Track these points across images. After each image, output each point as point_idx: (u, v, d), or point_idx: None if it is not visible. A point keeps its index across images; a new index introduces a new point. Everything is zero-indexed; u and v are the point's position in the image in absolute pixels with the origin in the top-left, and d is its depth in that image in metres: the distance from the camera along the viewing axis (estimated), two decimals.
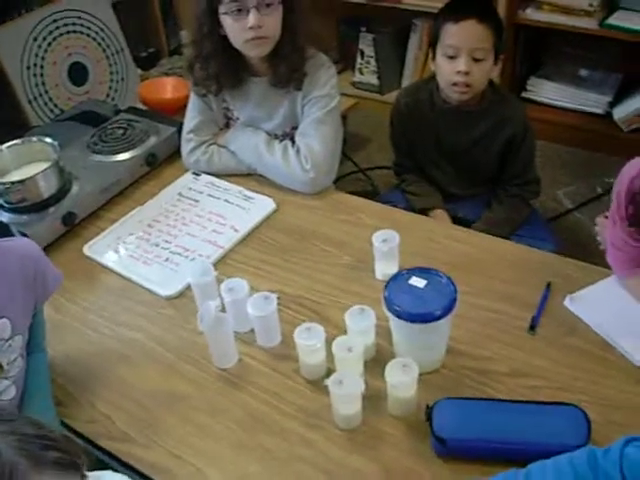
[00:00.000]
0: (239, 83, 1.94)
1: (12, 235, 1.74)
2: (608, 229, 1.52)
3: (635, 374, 1.33)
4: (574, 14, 3.03)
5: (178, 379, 1.43)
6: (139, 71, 3.90)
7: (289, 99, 1.92)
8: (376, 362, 1.37)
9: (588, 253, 1.57)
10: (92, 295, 1.67)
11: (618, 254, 1.50)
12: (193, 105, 2.03)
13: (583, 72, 3.35)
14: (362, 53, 3.72)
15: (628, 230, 1.44)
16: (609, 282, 1.51)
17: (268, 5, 1.75)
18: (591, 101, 3.25)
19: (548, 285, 1.53)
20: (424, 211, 2.08)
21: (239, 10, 1.75)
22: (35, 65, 3.29)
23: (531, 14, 3.13)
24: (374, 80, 3.71)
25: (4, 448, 0.76)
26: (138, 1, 3.95)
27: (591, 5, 2.99)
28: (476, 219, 2.08)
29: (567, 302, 1.48)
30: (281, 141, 1.94)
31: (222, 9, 1.77)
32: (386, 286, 1.32)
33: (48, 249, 1.79)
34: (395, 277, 1.34)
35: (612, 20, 2.97)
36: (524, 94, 3.37)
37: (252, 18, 1.74)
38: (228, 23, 1.79)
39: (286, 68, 1.85)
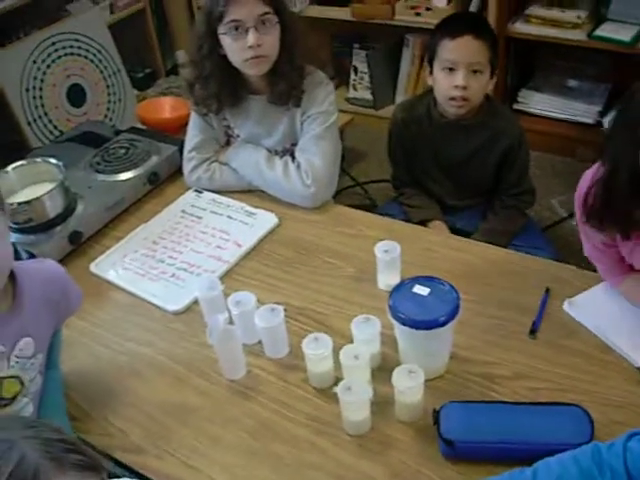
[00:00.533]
0: (239, 101, 1.98)
1: (19, 254, 1.78)
2: (584, 245, 1.57)
3: (635, 375, 1.37)
4: (563, 26, 3.09)
5: (189, 391, 1.46)
6: (136, 91, 3.95)
7: (288, 116, 1.97)
8: (382, 369, 1.40)
9: (584, 259, 1.61)
10: (101, 311, 1.71)
11: (601, 267, 1.55)
12: (194, 124, 2.07)
13: (573, 83, 3.41)
14: (356, 69, 3.77)
15: (599, 241, 1.47)
16: (605, 286, 1.55)
17: (266, 24, 1.80)
18: (581, 111, 3.30)
19: (547, 290, 1.57)
20: (423, 223, 2.11)
21: (238, 30, 1.80)
22: (34, 87, 3.34)
23: (520, 27, 3.19)
24: (368, 96, 3.76)
25: (29, 451, 0.79)
26: (134, 22, 4.01)
27: (579, 17, 3.06)
28: (474, 230, 2.12)
29: (566, 306, 1.52)
30: (281, 157, 1.98)
31: (221, 29, 1.82)
32: (390, 295, 1.36)
33: None
34: (399, 286, 1.38)
35: (600, 32, 3.03)
36: (515, 106, 3.42)
37: (251, 37, 1.78)
38: (227, 43, 1.83)
39: (285, 86, 1.89)
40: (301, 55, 1.90)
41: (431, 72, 2.04)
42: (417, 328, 1.30)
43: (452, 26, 2.00)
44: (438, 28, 2.04)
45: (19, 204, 1.83)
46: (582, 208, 1.39)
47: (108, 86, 3.68)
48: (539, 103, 3.40)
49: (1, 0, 3.28)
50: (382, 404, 1.34)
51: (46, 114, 3.39)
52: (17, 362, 1.27)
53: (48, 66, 3.38)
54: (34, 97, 3.33)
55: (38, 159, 1.97)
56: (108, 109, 3.70)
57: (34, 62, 3.32)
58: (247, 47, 1.80)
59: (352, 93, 3.84)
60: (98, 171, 2.07)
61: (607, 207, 1.32)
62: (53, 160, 1.93)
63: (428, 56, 2.06)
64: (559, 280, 1.60)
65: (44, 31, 3.39)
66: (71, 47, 3.48)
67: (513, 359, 1.43)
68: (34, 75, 3.33)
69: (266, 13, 1.79)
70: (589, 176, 1.40)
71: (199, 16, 1.93)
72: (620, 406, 1.31)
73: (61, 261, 1.84)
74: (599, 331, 1.46)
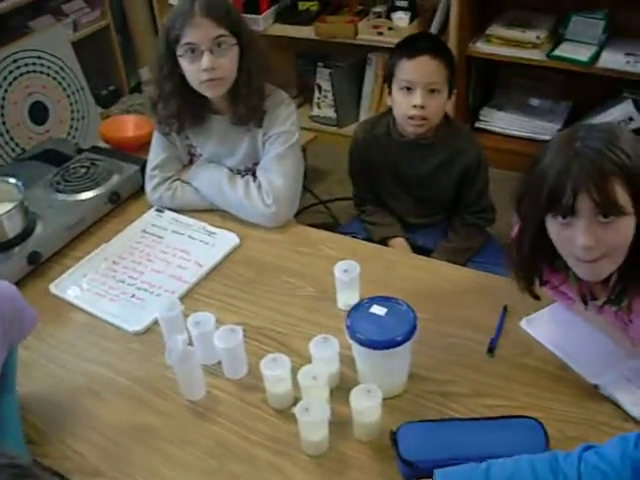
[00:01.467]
0: (201, 121, 1.98)
1: None
2: None
3: (590, 391, 1.39)
4: (522, 46, 3.15)
5: (147, 412, 1.45)
6: (100, 109, 3.93)
7: (250, 136, 1.97)
8: (341, 389, 1.41)
9: None
10: (59, 332, 1.69)
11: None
12: (157, 142, 2.06)
13: (533, 101, 3.46)
14: (319, 87, 3.79)
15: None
16: (561, 305, 1.57)
17: (222, 47, 1.80)
18: (542, 129, 3.35)
19: (504, 308, 1.59)
20: (384, 240, 2.13)
21: (193, 52, 1.80)
22: None
23: (481, 47, 3.23)
24: (331, 114, 3.78)
25: None
26: (98, 39, 4.00)
27: (538, 38, 3.11)
28: (435, 247, 2.14)
29: (523, 324, 1.54)
30: (243, 177, 1.98)
31: (178, 51, 1.82)
32: (348, 315, 1.36)
33: None
34: (356, 306, 1.39)
35: (558, 52, 3.09)
36: (477, 124, 3.46)
37: (205, 60, 1.79)
38: (184, 65, 1.84)
39: (245, 108, 1.89)
40: (261, 76, 1.90)
41: (390, 92, 2.06)
42: (374, 348, 1.31)
43: (409, 46, 2.02)
44: (396, 49, 2.06)
45: None
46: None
47: (71, 104, 3.66)
48: (501, 121, 3.45)
49: None
50: (340, 424, 1.34)
51: (7, 132, 3.36)
52: None
53: (10, 83, 3.35)
54: None
55: None
56: (71, 127, 3.67)
57: None
58: (202, 70, 1.80)
59: (316, 111, 3.86)
60: (59, 190, 2.05)
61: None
62: (12, 180, 1.92)
63: (387, 76, 2.08)
64: (517, 298, 1.60)
65: (5, 48, 3.36)
66: (33, 64, 3.45)
67: (471, 377, 1.44)
68: None
69: (221, 36, 1.80)
70: (514, 229, 1.45)
71: (160, 36, 1.93)
72: (576, 422, 1.33)
73: (20, 282, 1.83)
74: (556, 348, 1.48)
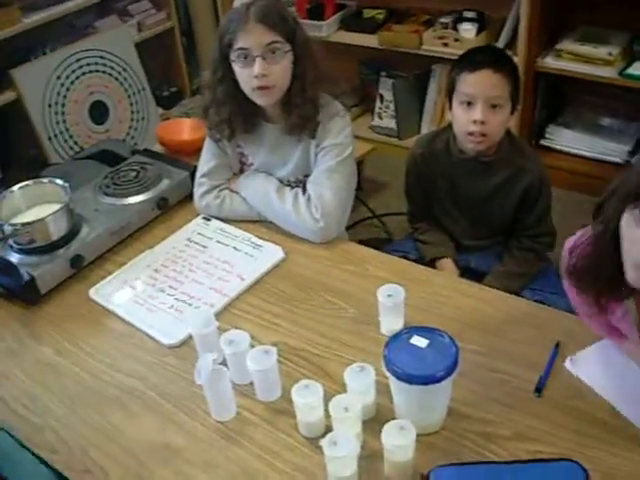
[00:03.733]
0: (252, 128, 1.94)
1: (20, 275, 1.74)
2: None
3: None
4: (593, 63, 3.03)
5: (174, 431, 1.40)
6: (160, 110, 3.95)
7: (302, 147, 1.92)
8: (375, 421, 1.34)
9: None
10: (95, 339, 1.66)
11: (594, 325, 1.46)
12: (208, 149, 2.03)
13: (602, 121, 3.34)
14: (381, 97, 3.73)
15: (582, 301, 1.39)
16: (610, 343, 1.47)
17: (275, 53, 1.76)
18: (610, 150, 3.23)
19: (557, 345, 1.49)
20: (434, 260, 2.06)
21: (246, 58, 1.76)
22: (57, 103, 3.34)
23: (550, 62, 3.13)
24: (392, 125, 3.71)
25: None
26: (162, 41, 4.02)
27: (610, 54, 2.99)
28: (488, 270, 2.06)
29: (567, 364, 1.44)
30: (293, 189, 1.93)
31: (232, 56, 1.79)
32: (386, 345, 1.29)
33: (54, 291, 1.80)
34: (396, 336, 1.31)
35: (631, 70, 2.97)
36: (543, 142, 3.36)
37: (257, 66, 1.75)
38: (237, 70, 1.81)
39: (298, 117, 1.84)
40: (315, 86, 1.85)
41: (450, 107, 1.99)
42: (412, 383, 1.23)
43: (471, 59, 1.95)
44: (458, 62, 1.99)
45: (22, 225, 1.80)
46: (566, 264, 1.32)
47: (132, 104, 3.68)
48: (567, 140, 3.34)
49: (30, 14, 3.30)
50: (372, 458, 1.27)
51: (67, 130, 3.39)
52: None
53: (72, 82, 3.38)
54: (56, 113, 3.34)
55: (45, 180, 1.94)
56: (130, 127, 3.69)
57: (58, 78, 3.32)
58: (253, 76, 1.76)
59: (377, 121, 3.80)
60: (107, 194, 2.03)
61: (591, 267, 1.26)
62: (59, 181, 1.91)
63: (448, 90, 2.01)
64: (572, 334, 1.52)
65: (70, 47, 3.40)
66: (96, 64, 3.48)
67: (515, 418, 1.35)
68: (57, 91, 3.33)
69: (275, 42, 1.75)
70: (578, 235, 1.34)
71: (214, 41, 1.90)
72: (624, 476, 1.23)
73: (61, 285, 1.82)
74: (603, 391, 1.38)
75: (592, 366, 1.43)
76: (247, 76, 1.78)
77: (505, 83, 1.90)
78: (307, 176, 1.95)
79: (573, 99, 3.43)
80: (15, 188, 1.90)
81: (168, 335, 1.63)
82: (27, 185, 1.92)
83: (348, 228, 1.98)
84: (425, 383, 1.23)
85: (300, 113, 1.84)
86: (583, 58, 3.05)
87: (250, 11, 1.74)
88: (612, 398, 1.36)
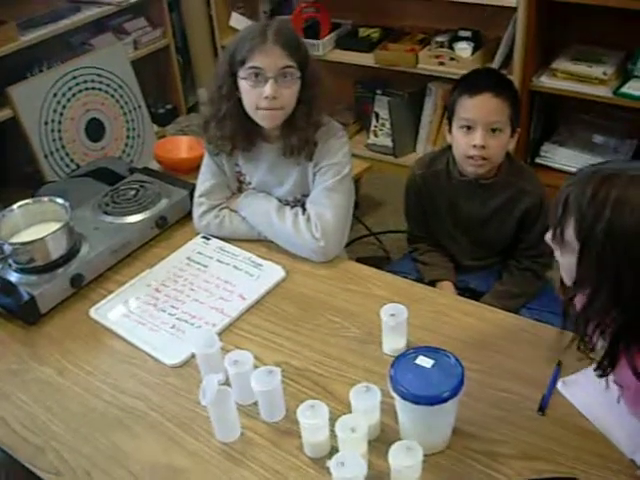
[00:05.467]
0: (252, 146, 1.95)
1: (20, 294, 1.73)
2: None
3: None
4: (588, 82, 3.06)
5: (177, 452, 1.40)
6: (156, 127, 3.95)
7: (300, 166, 1.93)
8: (381, 441, 1.34)
9: None
10: (96, 359, 1.65)
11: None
12: (206, 168, 2.03)
13: (597, 138, 3.35)
14: (377, 115, 3.75)
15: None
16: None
17: (287, 77, 1.78)
18: None
19: (559, 364, 1.50)
20: (433, 281, 2.06)
21: (257, 77, 1.77)
22: (53, 121, 3.34)
23: (545, 81, 3.16)
24: (388, 143, 3.73)
25: None
26: (158, 58, 4.03)
27: (605, 74, 3.02)
28: (488, 290, 2.06)
29: (560, 386, 1.45)
30: (292, 208, 1.93)
31: (241, 74, 1.79)
32: (392, 365, 1.29)
33: (55, 310, 1.79)
34: (401, 356, 1.32)
35: (625, 89, 2.99)
36: (538, 160, 3.38)
37: (268, 88, 1.75)
38: (245, 88, 1.81)
39: (297, 140, 1.85)
40: (320, 112, 1.86)
41: (450, 130, 2.00)
42: (418, 403, 1.23)
43: (470, 83, 1.96)
44: (457, 85, 1.99)
45: (22, 244, 1.80)
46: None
47: (127, 121, 3.68)
48: (562, 158, 3.35)
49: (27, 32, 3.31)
50: (378, 479, 1.27)
51: (63, 147, 3.39)
52: None
53: (68, 100, 3.39)
54: (52, 130, 3.34)
55: (45, 198, 1.94)
56: (127, 144, 3.69)
57: (54, 95, 3.33)
58: (263, 97, 1.77)
59: (372, 139, 3.81)
60: (106, 212, 2.03)
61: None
62: (60, 200, 1.91)
63: (447, 113, 2.01)
64: (574, 353, 1.51)
65: (66, 64, 3.41)
66: (92, 81, 3.49)
67: (519, 437, 1.36)
68: (54, 108, 3.34)
69: (289, 66, 1.77)
70: None
71: (222, 56, 1.91)
72: None
73: (61, 304, 1.81)
74: (592, 416, 1.38)
75: (582, 389, 1.42)
76: (255, 95, 1.79)
77: (505, 107, 1.91)
78: (305, 195, 1.96)
79: (568, 117, 3.45)
80: (15, 207, 1.90)
81: (170, 355, 1.62)
82: (27, 204, 1.91)
83: (345, 246, 1.97)
84: (431, 403, 1.23)
85: (300, 136, 1.85)
86: (578, 77, 3.08)
87: (268, 32, 1.76)
88: (599, 423, 1.36)
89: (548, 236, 1.28)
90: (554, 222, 1.24)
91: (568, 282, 1.28)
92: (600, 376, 1.27)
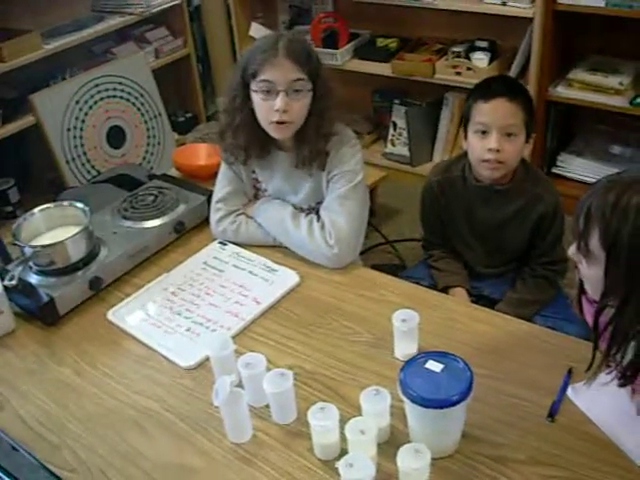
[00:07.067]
0: (267, 154, 1.97)
1: (40, 296, 1.77)
2: None
3: None
4: (604, 92, 3.07)
5: (191, 452, 1.42)
6: (176, 135, 4.00)
7: (314, 175, 1.95)
8: (390, 444, 1.35)
9: None
10: (113, 361, 1.68)
11: None
12: (223, 175, 2.06)
13: (614, 149, 3.36)
14: (394, 125, 3.77)
15: None
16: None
17: (298, 91, 1.80)
18: None
19: (569, 371, 1.51)
20: (447, 288, 2.07)
21: (268, 91, 1.79)
22: (75, 127, 3.39)
23: (562, 91, 3.17)
24: (405, 152, 3.75)
25: None
26: (179, 67, 4.08)
27: (621, 84, 3.03)
28: (501, 298, 2.07)
29: (569, 392, 1.45)
30: (307, 215, 1.96)
31: (253, 86, 1.82)
32: (402, 369, 1.31)
33: (73, 312, 1.83)
34: (411, 361, 1.33)
35: None
36: (554, 169, 3.38)
37: (279, 101, 1.78)
38: (256, 101, 1.84)
39: (309, 151, 1.88)
40: (331, 123, 1.89)
41: (465, 136, 2.02)
42: (427, 406, 1.25)
43: (485, 89, 1.98)
44: (472, 91, 2.02)
45: (42, 247, 1.83)
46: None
47: (148, 129, 3.73)
48: (578, 168, 3.35)
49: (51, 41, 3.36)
50: None
51: (85, 154, 3.44)
52: None
53: (90, 107, 3.44)
54: (74, 137, 3.39)
55: (65, 203, 1.98)
56: (147, 152, 3.74)
57: (77, 102, 3.38)
58: (274, 110, 1.79)
59: (390, 148, 3.83)
60: (125, 217, 2.07)
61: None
62: (80, 204, 1.94)
63: (463, 120, 2.03)
64: (585, 360, 1.52)
65: (89, 73, 3.46)
66: (114, 89, 3.54)
67: (528, 442, 1.37)
68: (76, 115, 3.39)
69: (299, 79, 1.79)
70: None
71: (235, 68, 1.94)
72: None
73: (79, 306, 1.84)
74: (601, 423, 1.38)
75: (591, 396, 1.42)
76: (267, 108, 1.82)
77: (519, 111, 1.93)
78: (320, 203, 1.98)
79: (584, 127, 3.46)
80: (36, 210, 1.94)
81: (185, 357, 1.65)
82: (48, 208, 1.96)
83: (361, 254, 2.00)
84: (440, 407, 1.25)
85: (311, 147, 1.88)
86: (594, 87, 3.09)
87: (279, 45, 1.78)
88: (608, 430, 1.37)
89: (572, 249, 1.30)
90: (577, 235, 1.25)
91: (595, 295, 1.28)
92: (622, 385, 1.28)
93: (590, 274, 1.28)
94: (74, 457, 1.44)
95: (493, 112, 1.93)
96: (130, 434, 1.48)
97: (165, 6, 3.85)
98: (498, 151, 1.92)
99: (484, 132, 1.94)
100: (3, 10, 3.24)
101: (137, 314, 1.80)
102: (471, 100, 1.99)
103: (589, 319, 1.38)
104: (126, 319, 1.79)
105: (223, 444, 1.43)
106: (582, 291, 1.38)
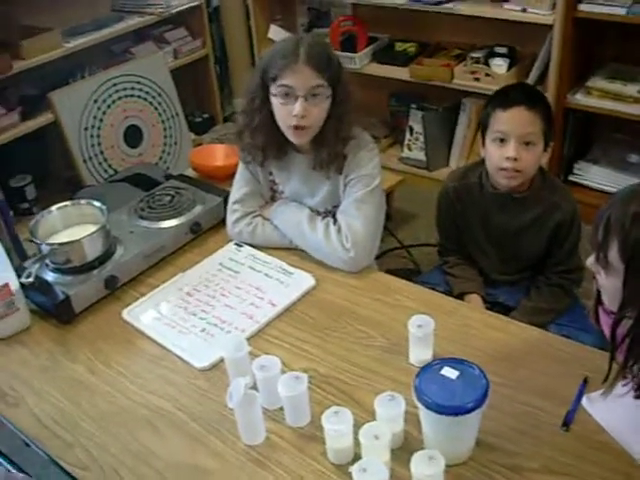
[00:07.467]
0: (284, 155, 1.98)
1: (56, 294, 1.78)
2: None
3: None
4: (623, 100, 3.05)
5: (203, 453, 1.42)
6: (193, 135, 4.01)
7: (331, 178, 1.95)
8: (403, 450, 1.35)
9: None
10: (127, 360, 1.69)
11: None
12: (241, 176, 2.07)
13: (631, 157, 3.34)
14: (411, 129, 3.76)
15: None
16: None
17: (316, 96, 1.80)
18: None
19: (585, 380, 1.50)
20: (462, 294, 2.07)
21: (287, 95, 1.80)
22: (93, 126, 3.41)
23: (580, 99, 3.16)
24: (422, 157, 3.74)
25: None
26: (197, 68, 4.10)
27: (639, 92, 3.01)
28: (516, 305, 2.06)
29: (584, 402, 1.44)
30: (323, 218, 1.95)
31: (272, 90, 1.82)
32: (417, 375, 1.31)
33: (88, 311, 1.83)
34: (427, 367, 1.33)
35: None
36: (571, 177, 3.37)
37: (298, 106, 1.78)
38: (275, 104, 1.84)
39: (327, 154, 1.88)
40: (350, 127, 1.88)
41: (483, 144, 2.01)
42: (442, 413, 1.24)
43: (504, 97, 1.97)
44: (491, 99, 2.01)
45: (59, 245, 1.84)
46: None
47: (165, 129, 3.74)
48: (596, 176, 3.34)
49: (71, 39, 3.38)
50: None
51: (102, 153, 3.45)
52: None
53: (108, 106, 3.45)
54: (92, 135, 3.40)
55: (82, 201, 1.98)
56: (163, 151, 3.75)
57: (95, 101, 3.40)
58: (292, 114, 1.79)
59: (406, 153, 3.83)
60: (142, 217, 2.07)
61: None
62: (97, 203, 1.95)
63: (481, 127, 2.03)
64: (600, 370, 1.51)
65: (107, 72, 3.48)
66: (132, 89, 3.55)
67: (542, 451, 1.36)
68: (94, 114, 3.40)
69: (319, 86, 1.79)
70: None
71: (255, 69, 1.94)
72: None
73: (94, 305, 1.85)
74: (616, 433, 1.37)
75: (607, 406, 1.41)
76: (286, 113, 1.82)
77: (538, 120, 1.92)
78: (336, 206, 1.98)
79: (601, 135, 3.44)
80: (53, 208, 1.95)
81: (199, 358, 1.65)
82: (65, 206, 1.97)
83: (376, 258, 1.99)
84: (455, 414, 1.24)
85: (329, 150, 1.88)
86: (613, 95, 3.08)
87: (300, 50, 1.78)
88: (623, 440, 1.36)
89: (590, 260, 1.29)
90: (596, 245, 1.25)
91: (613, 306, 1.28)
92: (638, 397, 1.28)
93: (608, 285, 1.27)
94: (87, 455, 1.44)
95: (511, 120, 1.92)
96: (143, 433, 1.48)
97: (185, 7, 3.87)
98: (516, 160, 1.91)
99: (502, 140, 1.93)
100: (25, 8, 3.26)
101: (152, 314, 1.81)
102: (489, 108, 1.98)
103: (606, 330, 1.38)
104: (141, 318, 1.80)
105: (236, 446, 1.43)
106: (599, 301, 1.37)
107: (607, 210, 1.23)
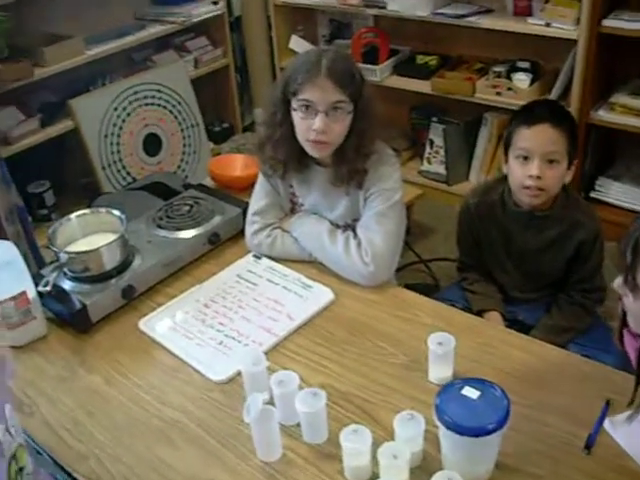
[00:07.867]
0: (305, 168, 1.96)
1: (73, 303, 1.77)
2: None
3: None
4: None
5: (218, 468, 1.40)
6: (212, 145, 4.01)
7: (352, 192, 1.93)
8: (422, 470, 1.33)
9: None
10: (143, 371, 1.68)
11: None
12: (261, 187, 2.05)
13: None
14: (432, 142, 3.74)
15: None
16: None
17: (337, 112, 1.78)
18: None
19: (607, 402, 1.47)
20: (481, 311, 2.04)
21: (308, 110, 1.78)
22: (112, 134, 3.42)
23: (603, 115, 3.13)
24: (442, 170, 3.72)
25: None
26: (217, 77, 4.10)
27: None
28: (536, 323, 2.03)
29: (606, 424, 1.41)
30: (344, 231, 1.94)
31: (293, 104, 1.81)
32: (438, 394, 1.29)
33: (105, 320, 1.83)
34: (447, 386, 1.31)
35: None
36: (593, 194, 3.33)
37: (318, 121, 1.77)
38: (296, 118, 1.83)
39: (347, 170, 1.86)
40: (372, 143, 1.86)
41: (506, 160, 1.98)
42: (463, 434, 1.22)
43: (528, 114, 1.95)
44: (515, 116, 1.99)
45: (77, 253, 1.84)
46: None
47: (184, 138, 3.75)
48: (618, 193, 3.30)
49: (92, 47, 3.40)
50: None
51: (121, 160, 3.46)
52: (15, 430, 1.18)
53: (128, 114, 3.46)
54: (111, 143, 3.41)
55: (102, 209, 1.98)
56: (182, 160, 3.75)
57: (115, 109, 3.41)
58: (312, 129, 1.78)
59: (426, 166, 3.80)
60: (160, 226, 2.06)
61: None
62: (116, 212, 1.94)
63: (504, 144, 2.00)
64: (622, 392, 1.49)
65: (128, 80, 3.49)
66: (152, 97, 3.56)
67: (563, 474, 1.33)
68: (114, 122, 3.41)
69: (340, 101, 1.77)
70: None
71: (277, 82, 1.93)
72: None
73: (111, 314, 1.84)
74: (638, 458, 1.34)
75: (629, 430, 1.38)
76: (306, 127, 1.80)
77: (563, 138, 1.89)
78: (356, 220, 1.96)
79: (623, 152, 3.41)
80: (72, 216, 1.95)
81: (216, 371, 1.63)
82: (84, 214, 1.96)
83: (395, 272, 1.97)
84: (476, 435, 1.22)
85: (350, 167, 1.86)
86: (636, 111, 3.04)
87: (322, 64, 1.76)
88: None
89: (618, 282, 1.27)
90: (624, 268, 1.23)
91: (639, 329, 1.26)
92: None
93: (635, 308, 1.25)
94: (100, 466, 1.43)
95: (535, 138, 1.89)
96: (157, 445, 1.47)
97: (206, 16, 3.88)
98: (539, 178, 1.88)
99: (526, 158, 1.91)
100: (47, 15, 3.28)
101: (168, 324, 1.80)
102: (513, 124, 1.96)
103: (631, 352, 1.35)
104: (157, 329, 1.79)
105: (252, 461, 1.41)
106: (624, 323, 1.35)
107: (635, 232, 1.21)
